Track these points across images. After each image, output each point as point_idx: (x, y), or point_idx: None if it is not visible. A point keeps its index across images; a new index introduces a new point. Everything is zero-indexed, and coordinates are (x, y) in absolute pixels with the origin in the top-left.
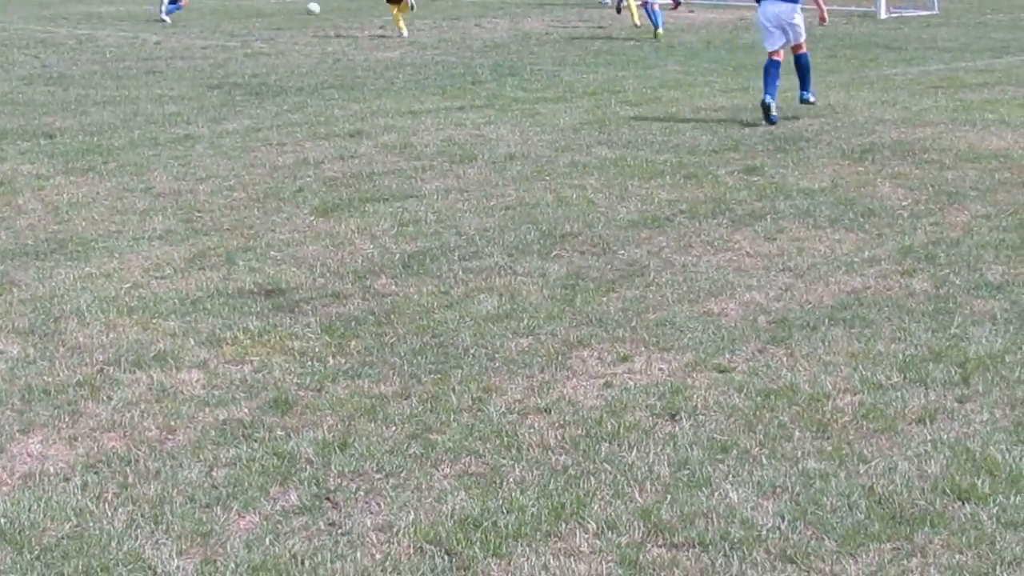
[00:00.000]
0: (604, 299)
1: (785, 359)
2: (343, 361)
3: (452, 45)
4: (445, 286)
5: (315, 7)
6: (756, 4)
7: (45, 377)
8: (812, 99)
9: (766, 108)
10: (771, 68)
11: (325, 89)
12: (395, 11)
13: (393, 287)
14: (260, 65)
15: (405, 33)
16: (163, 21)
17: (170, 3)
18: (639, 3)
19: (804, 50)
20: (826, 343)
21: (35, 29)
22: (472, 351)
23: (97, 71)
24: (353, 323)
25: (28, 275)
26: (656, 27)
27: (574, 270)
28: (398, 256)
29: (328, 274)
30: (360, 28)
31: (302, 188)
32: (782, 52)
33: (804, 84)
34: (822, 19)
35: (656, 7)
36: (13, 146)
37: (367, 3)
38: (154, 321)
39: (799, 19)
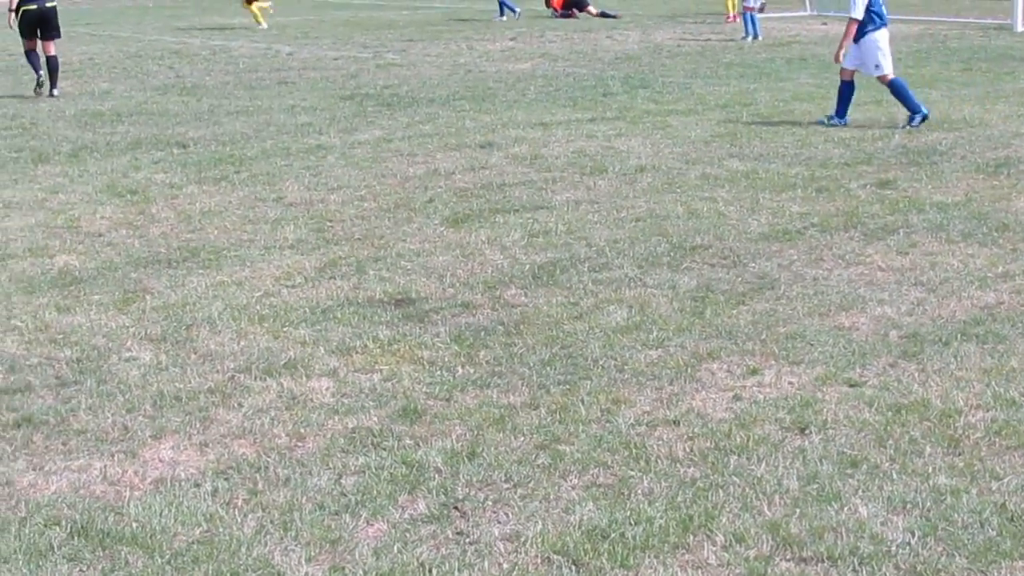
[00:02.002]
0: (734, 312)
1: (916, 374)
2: (472, 371)
3: (583, 57)
4: (574, 297)
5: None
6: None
7: (177, 384)
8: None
9: (925, 118)
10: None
11: (456, 100)
12: (252, 7)
13: (522, 298)
14: (392, 76)
15: (264, 25)
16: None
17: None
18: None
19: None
20: (958, 358)
21: (169, 40)
22: (601, 362)
23: (230, 82)
24: (482, 333)
25: (161, 283)
26: (753, 35)
27: (704, 282)
28: (528, 267)
29: (458, 284)
30: (492, 40)
31: (433, 199)
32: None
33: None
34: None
35: (757, 11)
36: (147, 155)
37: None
38: (285, 329)
39: None
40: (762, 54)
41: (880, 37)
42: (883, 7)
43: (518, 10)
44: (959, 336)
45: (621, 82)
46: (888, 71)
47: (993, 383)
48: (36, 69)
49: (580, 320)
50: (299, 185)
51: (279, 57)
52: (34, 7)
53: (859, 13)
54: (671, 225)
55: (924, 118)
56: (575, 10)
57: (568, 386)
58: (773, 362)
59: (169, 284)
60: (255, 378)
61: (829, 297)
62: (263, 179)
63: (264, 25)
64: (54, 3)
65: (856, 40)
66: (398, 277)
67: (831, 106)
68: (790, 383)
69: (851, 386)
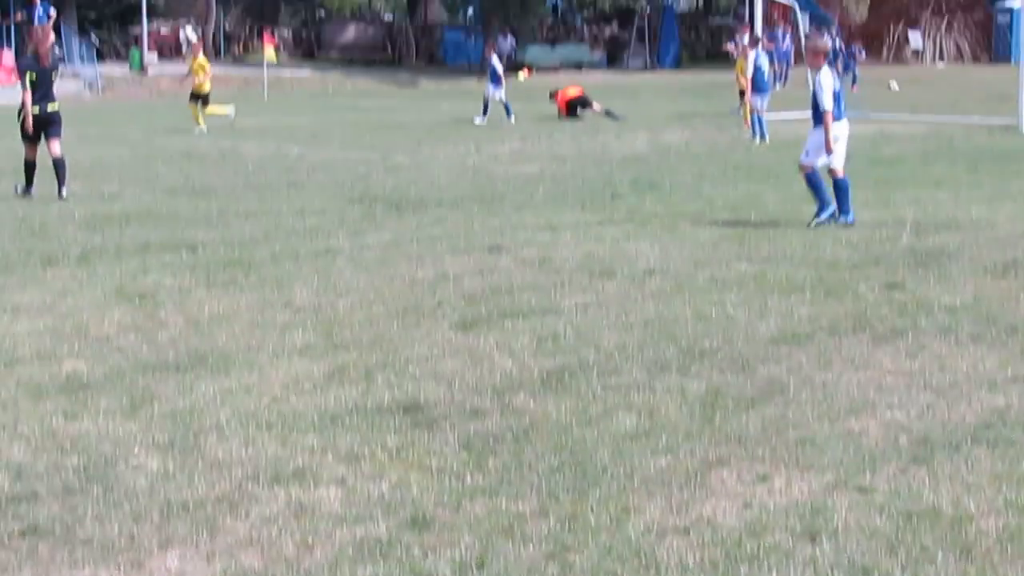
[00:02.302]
0: (743, 417)
1: (927, 479)
2: (481, 478)
3: (592, 158)
4: (583, 403)
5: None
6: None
7: (184, 492)
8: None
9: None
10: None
11: (465, 203)
12: (200, 111)
13: (531, 404)
14: (401, 178)
15: (203, 127)
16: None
17: None
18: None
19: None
20: (969, 463)
21: (179, 142)
22: (610, 469)
23: (239, 184)
24: (491, 440)
25: (169, 389)
26: (760, 137)
27: (713, 387)
28: (537, 372)
29: (467, 390)
30: (500, 141)
31: (441, 303)
32: None
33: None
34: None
35: (763, 114)
36: (156, 258)
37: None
38: (293, 436)
39: None
40: (770, 155)
41: (837, 129)
42: (842, 100)
43: (486, 117)
44: (969, 440)
45: (630, 184)
46: (838, 166)
47: (1004, 488)
48: (30, 183)
49: (589, 426)
50: (308, 289)
51: (288, 159)
52: (37, 111)
53: (830, 103)
54: (680, 329)
55: (832, 216)
56: (580, 108)
57: (577, 494)
58: (783, 468)
59: (177, 390)
60: (263, 486)
61: (839, 401)
62: (272, 283)
63: (203, 127)
64: (57, 108)
65: (815, 126)
66: (407, 383)
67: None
68: (800, 489)
69: (862, 492)
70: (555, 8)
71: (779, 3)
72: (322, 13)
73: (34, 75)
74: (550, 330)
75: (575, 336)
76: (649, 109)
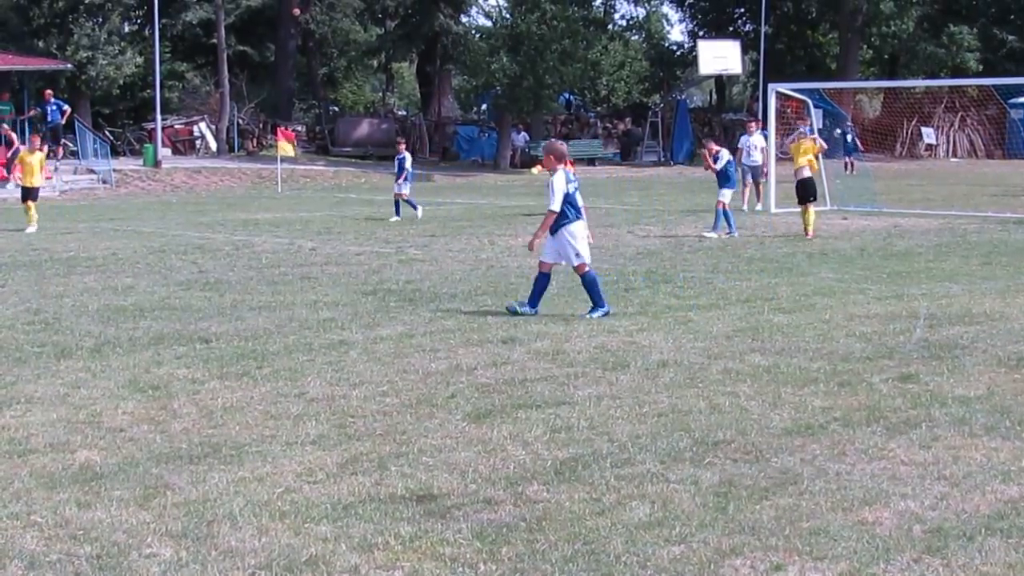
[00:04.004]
0: (757, 507)
1: (941, 569)
2: (494, 568)
3: (605, 252)
4: (597, 493)
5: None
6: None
7: None
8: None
9: (606, 313)
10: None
11: (478, 295)
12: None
13: (545, 494)
14: (414, 271)
15: (33, 228)
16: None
17: None
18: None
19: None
20: (983, 553)
21: (193, 235)
22: (624, 559)
23: (253, 277)
24: (504, 530)
25: (182, 479)
26: (728, 231)
27: (727, 478)
28: (550, 463)
29: (480, 480)
30: (514, 235)
31: (455, 394)
32: None
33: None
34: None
35: (725, 207)
36: (169, 350)
37: (520, 211)
38: (306, 526)
39: None
40: (783, 248)
41: (575, 229)
42: (577, 199)
43: (419, 210)
44: (983, 531)
45: (643, 277)
46: (586, 260)
47: None
48: None
49: (602, 516)
50: (321, 381)
51: (301, 252)
52: None
53: (556, 205)
54: (693, 420)
55: (605, 313)
56: None
57: None
58: (797, 558)
59: (190, 480)
60: (276, 575)
61: (852, 492)
62: (285, 375)
63: (33, 228)
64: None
65: (552, 232)
66: (420, 473)
67: (852, 300)
68: None
69: None
70: (568, 103)
71: (793, 99)
72: (335, 109)
73: None
74: (563, 421)
75: (588, 427)
76: (662, 203)
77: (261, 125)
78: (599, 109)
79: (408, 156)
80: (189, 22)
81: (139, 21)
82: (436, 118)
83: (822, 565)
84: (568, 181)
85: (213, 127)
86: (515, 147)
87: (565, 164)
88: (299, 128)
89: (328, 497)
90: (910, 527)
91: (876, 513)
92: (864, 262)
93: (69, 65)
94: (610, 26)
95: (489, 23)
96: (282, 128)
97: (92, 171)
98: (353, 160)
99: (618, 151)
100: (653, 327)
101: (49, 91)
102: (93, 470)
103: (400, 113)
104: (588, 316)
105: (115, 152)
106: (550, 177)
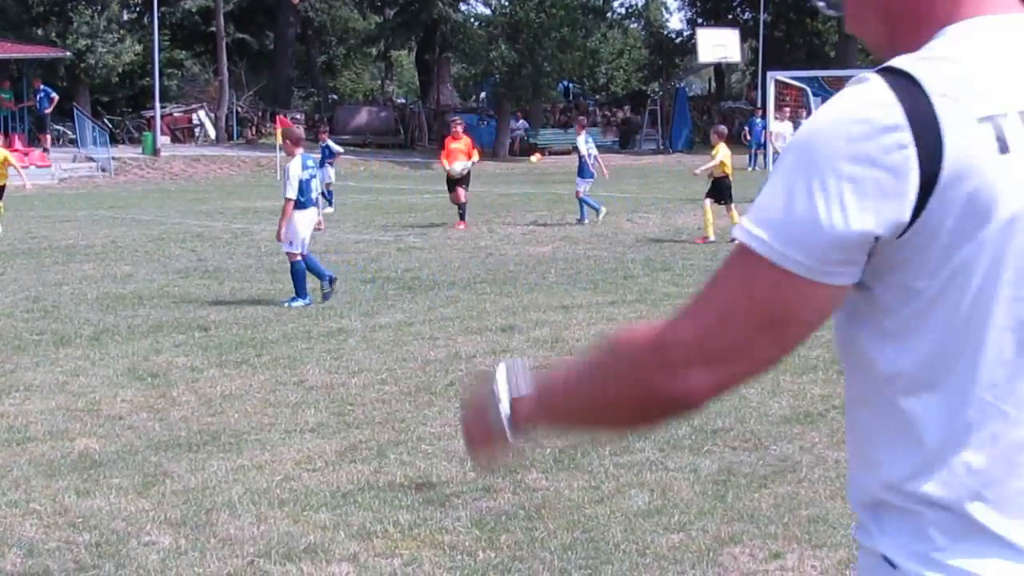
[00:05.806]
0: (756, 495)
1: None
2: (493, 556)
3: (604, 240)
4: (596, 481)
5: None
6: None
7: (196, 569)
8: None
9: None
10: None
11: (477, 283)
12: None
13: (544, 481)
14: (413, 259)
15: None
16: None
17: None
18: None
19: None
20: None
21: (191, 223)
22: (623, 547)
23: (252, 265)
24: (503, 517)
25: (181, 467)
26: (580, 219)
27: (726, 465)
28: (549, 450)
29: (478, 468)
30: (513, 223)
31: (454, 382)
32: None
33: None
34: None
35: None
36: (168, 338)
37: (519, 199)
38: (305, 514)
39: None
40: None
41: (300, 217)
42: (312, 190)
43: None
44: None
45: (642, 265)
46: (297, 251)
47: None
48: None
49: (601, 504)
50: (320, 369)
51: None
52: None
53: (292, 193)
54: None
55: (307, 304)
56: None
57: (590, 571)
58: (796, 546)
59: (189, 468)
60: (275, 563)
61: None
62: (284, 362)
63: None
64: None
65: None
66: (419, 461)
67: None
68: (813, 567)
69: None
70: (567, 92)
71: (791, 87)
72: (335, 97)
73: None
74: None
75: None
76: (661, 191)
77: (260, 113)
78: (598, 97)
79: (332, 143)
80: (188, 10)
81: (138, 9)
82: (435, 106)
83: (821, 553)
84: (304, 168)
85: (212, 115)
86: (514, 135)
87: (304, 148)
88: (298, 116)
89: (327, 485)
90: None
91: None
92: None
93: (68, 53)
94: (609, 14)
95: (488, 11)
96: (281, 116)
97: (91, 159)
98: (352, 148)
99: (617, 139)
100: (652, 315)
101: (37, 79)
102: (92, 458)
103: (399, 101)
104: (289, 304)
105: (114, 140)
106: (286, 164)
